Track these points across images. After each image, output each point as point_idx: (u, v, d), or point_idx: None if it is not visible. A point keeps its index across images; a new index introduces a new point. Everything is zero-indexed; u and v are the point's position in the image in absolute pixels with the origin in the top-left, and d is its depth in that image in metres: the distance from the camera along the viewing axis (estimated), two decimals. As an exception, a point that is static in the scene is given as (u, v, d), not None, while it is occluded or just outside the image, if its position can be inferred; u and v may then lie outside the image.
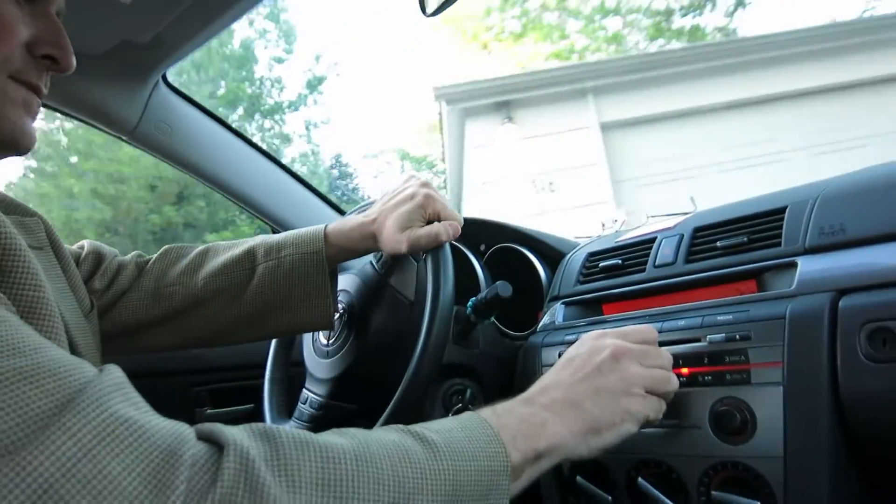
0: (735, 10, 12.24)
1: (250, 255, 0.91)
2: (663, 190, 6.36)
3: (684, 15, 12.14)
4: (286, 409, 1.08)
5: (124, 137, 1.26)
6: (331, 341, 0.98)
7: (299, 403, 1.02)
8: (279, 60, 12.39)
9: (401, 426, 0.53)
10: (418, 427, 0.53)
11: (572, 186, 6.25)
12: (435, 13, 0.93)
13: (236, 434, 0.42)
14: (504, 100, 6.50)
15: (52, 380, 0.38)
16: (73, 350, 0.65)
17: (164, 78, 1.26)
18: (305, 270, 0.89)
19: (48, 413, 0.36)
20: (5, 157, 0.63)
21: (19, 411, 0.35)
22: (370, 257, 1.01)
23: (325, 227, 0.92)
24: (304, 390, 1.02)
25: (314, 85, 12.71)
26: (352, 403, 0.95)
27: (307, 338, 1.05)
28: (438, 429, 0.54)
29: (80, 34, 0.68)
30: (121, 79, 1.18)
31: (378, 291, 0.97)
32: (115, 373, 0.43)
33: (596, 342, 0.69)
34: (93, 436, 0.37)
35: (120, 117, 1.22)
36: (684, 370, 0.78)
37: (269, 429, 0.44)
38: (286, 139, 12.65)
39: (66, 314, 0.64)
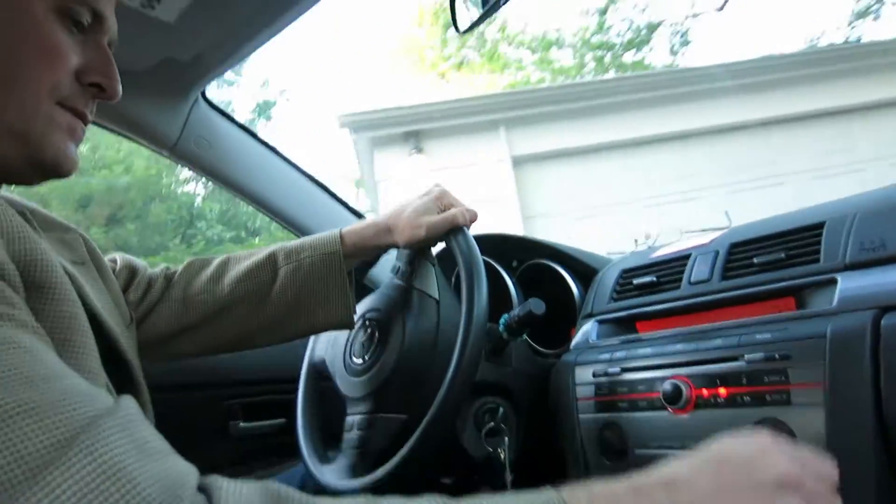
0: (680, 47, 12.27)
1: (271, 259, 0.95)
2: (576, 227, 6.27)
3: (626, 50, 12.16)
4: (325, 451, 1.06)
5: (165, 153, 1.29)
6: (366, 358, 0.97)
7: (345, 433, 0.98)
8: (229, 83, 11.98)
9: None
10: None
11: (481, 221, 5.96)
12: (468, 30, 0.94)
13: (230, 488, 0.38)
14: (413, 129, 6.31)
15: (56, 415, 0.38)
16: (120, 361, 0.67)
17: (203, 94, 1.29)
18: (324, 271, 0.93)
19: (43, 455, 0.35)
20: (47, 179, 0.64)
21: (13, 449, 0.35)
22: (390, 272, 1.03)
23: (341, 229, 0.97)
24: (348, 418, 0.99)
25: (264, 110, 12.26)
26: (399, 413, 0.94)
27: (338, 363, 1.04)
28: None
29: (124, 52, 0.69)
30: (162, 95, 1.21)
31: (404, 297, 0.98)
32: (126, 408, 0.42)
33: (764, 458, 0.51)
34: (84, 484, 0.35)
35: (161, 133, 1.25)
36: (722, 390, 0.77)
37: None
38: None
39: (113, 327, 0.66)
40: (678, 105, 6.58)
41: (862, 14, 11.64)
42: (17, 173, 0.62)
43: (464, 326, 0.83)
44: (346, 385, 1.00)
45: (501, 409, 0.98)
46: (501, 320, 0.97)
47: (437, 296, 0.97)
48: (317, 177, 1.50)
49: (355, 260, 0.98)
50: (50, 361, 0.42)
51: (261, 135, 1.42)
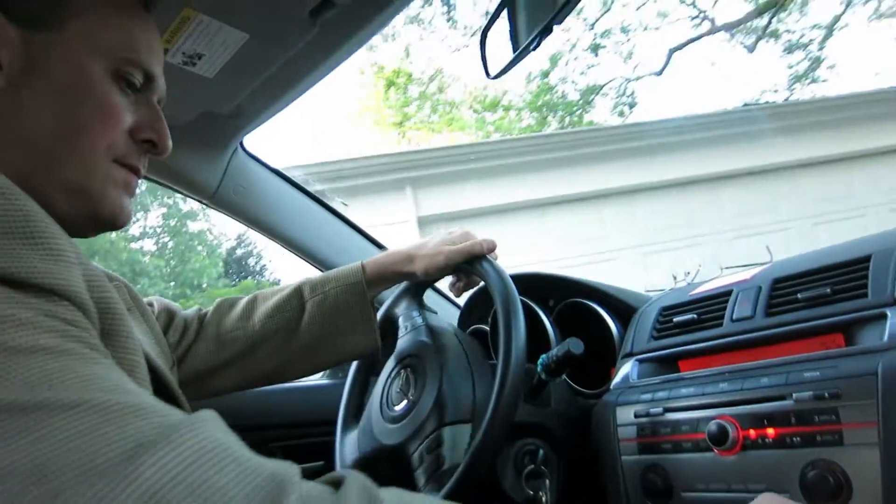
0: (623, 107, 12.29)
1: (298, 293, 1.01)
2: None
3: (572, 112, 12.18)
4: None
5: (205, 202, 1.33)
6: (410, 396, 0.98)
7: (416, 473, 0.92)
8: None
9: None
10: None
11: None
12: (498, 76, 0.96)
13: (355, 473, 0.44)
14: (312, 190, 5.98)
15: (155, 414, 0.41)
16: (173, 404, 0.68)
17: (242, 144, 1.33)
18: (349, 300, 0.99)
19: (152, 440, 0.38)
20: (103, 232, 0.68)
21: (127, 439, 0.38)
22: (402, 331, 1.08)
23: (363, 261, 1.04)
24: (413, 457, 0.93)
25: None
26: (463, 422, 0.92)
27: (377, 427, 1.02)
28: None
29: (166, 107, 0.72)
30: (203, 147, 1.25)
31: (426, 335, 1.02)
32: (212, 412, 0.46)
33: None
34: (196, 450, 0.39)
35: (201, 183, 1.29)
36: (770, 431, 0.74)
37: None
38: (190, 216, 11.81)
39: (165, 371, 0.69)
40: (587, 165, 6.42)
41: (799, 78, 12.10)
42: (76, 227, 0.64)
43: (501, 366, 0.83)
44: (395, 434, 0.97)
45: (541, 452, 0.96)
46: (540, 361, 0.96)
47: (452, 329, 1.03)
48: (348, 217, 1.53)
49: (379, 288, 1.03)
50: (133, 384, 0.45)
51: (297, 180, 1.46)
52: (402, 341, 1.06)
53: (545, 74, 11.99)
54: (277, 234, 1.42)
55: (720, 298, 0.97)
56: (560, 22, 0.76)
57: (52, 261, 0.46)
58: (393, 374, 1.04)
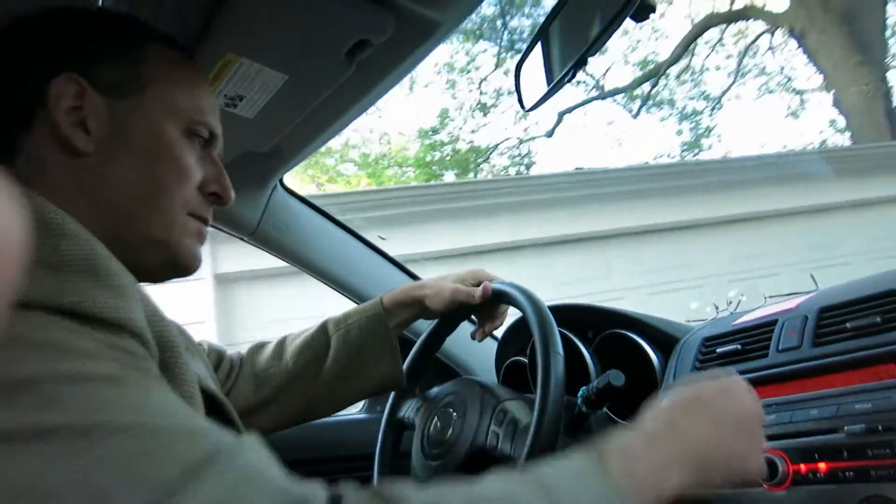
0: (523, 169, 12.29)
1: (323, 329, 1.05)
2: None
3: (468, 169, 12.09)
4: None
5: (246, 238, 1.36)
6: (453, 426, 0.99)
7: (495, 448, 0.93)
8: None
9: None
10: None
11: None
12: (533, 108, 0.96)
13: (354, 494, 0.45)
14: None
15: (205, 439, 0.44)
16: (234, 426, 0.71)
17: (281, 181, 1.35)
18: (371, 331, 1.03)
19: (199, 463, 0.41)
20: (176, 277, 0.72)
21: (177, 463, 0.40)
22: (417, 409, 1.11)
23: (381, 296, 1.08)
24: (488, 442, 0.94)
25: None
26: (518, 398, 0.95)
27: (416, 455, 1.04)
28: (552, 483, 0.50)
29: (208, 148, 0.75)
30: (243, 186, 1.27)
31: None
32: (255, 437, 0.48)
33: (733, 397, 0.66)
34: (236, 480, 0.41)
35: (243, 221, 1.32)
36: (822, 465, 0.72)
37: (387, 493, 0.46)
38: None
39: (220, 395, 0.71)
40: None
41: (691, 145, 12.56)
42: (153, 273, 0.69)
43: (540, 397, 0.82)
44: (442, 465, 0.98)
45: (584, 487, 0.94)
46: (580, 393, 0.95)
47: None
48: (387, 252, 1.54)
49: (398, 316, 1.07)
50: (188, 408, 0.49)
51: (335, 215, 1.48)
52: (437, 392, 1.10)
53: (434, 131, 12.03)
54: (316, 269, 1.44)
55: (765, 328, 0.94)
56: (593, 54, 0.76)
57: (115, 296, 0.49)
58: (430, 418, 1.06)
